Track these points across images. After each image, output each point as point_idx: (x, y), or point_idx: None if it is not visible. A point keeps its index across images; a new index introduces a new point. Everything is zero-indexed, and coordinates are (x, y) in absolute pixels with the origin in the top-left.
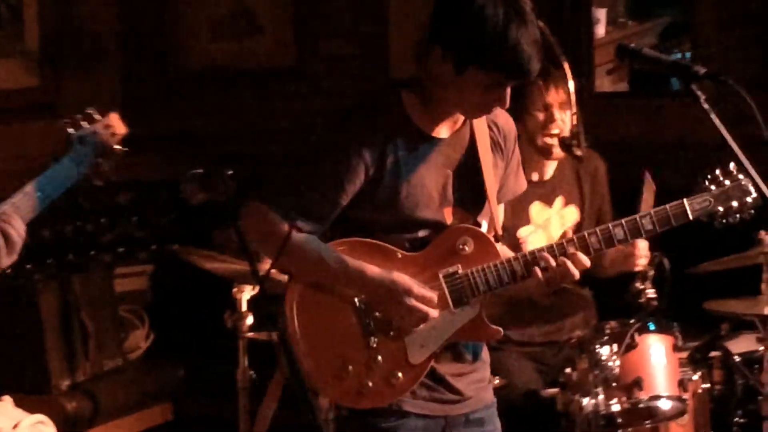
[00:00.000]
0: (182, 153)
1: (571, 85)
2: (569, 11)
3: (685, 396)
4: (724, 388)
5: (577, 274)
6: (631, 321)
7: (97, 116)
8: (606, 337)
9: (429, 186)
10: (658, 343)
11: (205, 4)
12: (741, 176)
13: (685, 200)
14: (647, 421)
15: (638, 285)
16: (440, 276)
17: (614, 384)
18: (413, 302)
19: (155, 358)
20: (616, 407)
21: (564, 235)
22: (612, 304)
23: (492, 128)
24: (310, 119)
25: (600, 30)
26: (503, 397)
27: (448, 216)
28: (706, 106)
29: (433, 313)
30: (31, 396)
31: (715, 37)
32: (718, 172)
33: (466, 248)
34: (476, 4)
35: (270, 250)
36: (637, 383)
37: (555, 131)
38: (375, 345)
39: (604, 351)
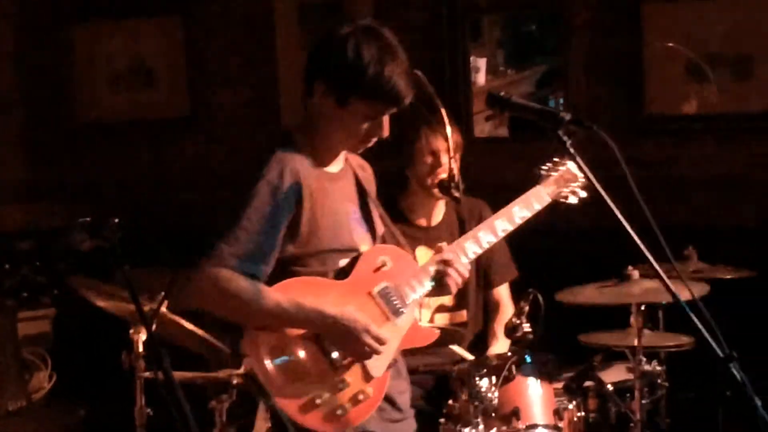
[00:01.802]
0: (80, 201)
1: (449, 130)
2: (448, 61)
3: (561, 424)
4: (598, 416)
5: (466, 274)
6: (508, 354)
7: None
8: (485, 370)
9: (340, 217)
10: (535, 375)
11: (103, 58)
12: (567, 162)
13: (540, 186)
14: None
15: (514, 320)
16: (374, 293)
17: (493, 414)
18: (369, 340)
19: (57, 399)
20: None
21: (438, 249)
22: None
23: (358, 168)
24: (205, 166)
25: (480, 78)
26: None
27: (359, 242)
28: (571, 150)
29: (384, 349)
30: None
31: (585, 84)
32: (549, 164)
33: (387, 265)
34: (352, 42)
35: (232, 309)
36: (515, 413)
37: (442, 175)
38: (340, 370)
39: (484, 383)
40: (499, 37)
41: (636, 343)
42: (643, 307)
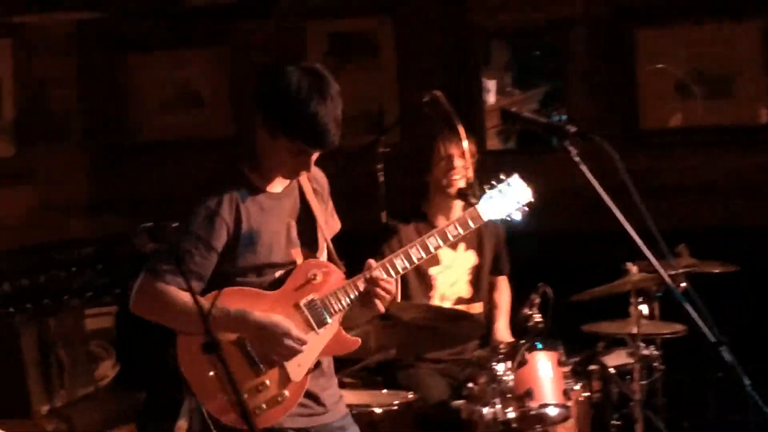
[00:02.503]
0: (135, 212)
1: (465, 144)
2: (463, 83)
3: (569, 403)
4: (601, 396)
5: (393, 291)
6: (522, 341)
7: None
8: (501, 356)
9: (277, 234)
10: (545, 359)
11: (155, 84)
12: (510, 180)
13: (477, 205)
14: (538, 426)
15: (526, 311)
16: (301, 304)
17: (509, 395)
18: (290, 342)
19: (121, 385)
20: (511, 415)
21: (367, 266)
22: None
23: (311, 180)
24: None
25: (490, 98)
26: (418, 408)
27: (296, 256)
28: (576, 159)
29: (304, 349)
30: (14, 420)
31: (584, 103)
32: (493, 182)
33: (317, 278)
34: (286, 79)
35: (164, 317)
36: (529, 394)
37: (456, 176)
38: (261, 372)
39: (500, 367)
40: (507, 62)
41: (635, 330)
42: (640, 298)
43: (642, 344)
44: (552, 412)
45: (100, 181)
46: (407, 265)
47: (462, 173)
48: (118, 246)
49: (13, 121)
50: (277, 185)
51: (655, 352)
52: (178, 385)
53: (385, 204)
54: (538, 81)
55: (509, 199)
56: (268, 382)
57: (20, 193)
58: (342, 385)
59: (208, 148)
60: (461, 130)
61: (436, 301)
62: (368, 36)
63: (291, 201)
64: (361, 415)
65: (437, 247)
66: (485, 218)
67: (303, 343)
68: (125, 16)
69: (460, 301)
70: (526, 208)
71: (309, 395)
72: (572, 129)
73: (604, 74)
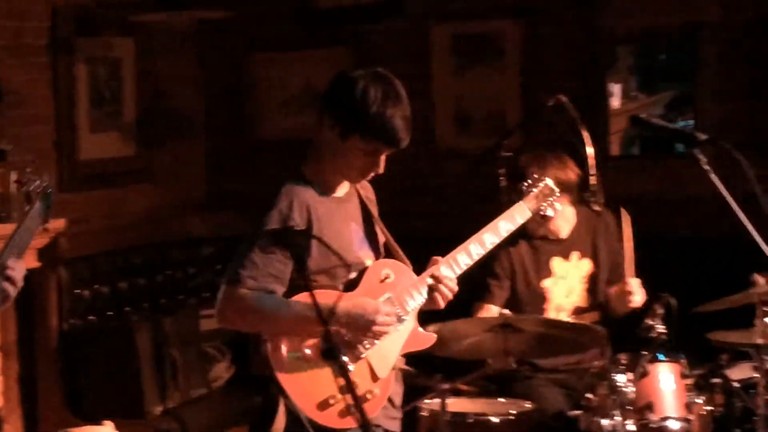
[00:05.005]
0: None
1: (590, 150)
2: (588, 86)
3: (691, 417)
4: (724, 411)
5: (455, 289)
6: (644, 352)
7: None
8: (622, 367)
9: (346, 236)
10: (667, 371)
11: (277, 84)
12: (545, 179)
13: (522, 202)
14: None
15: (649, 321)
16: (380, 302)
17: (629, 407)
18: (383, 318)
19: (235, 387)
20: (631, 427)
21: (433, 261)
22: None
23: (363, 189)
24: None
25: (615, 102)
26: (535, 418)
27: (365, 257)
28: (706, 167)
29: (391, 344)
30: (128, 420)
31: (714, 107)
32: (529, 180)
33: (391, 277)
34: (360, 84)
35: (253, 322)
36: (649, 406)
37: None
38: (349, 371)
39: (621, 378)
40: (632, 65)
41: (760, 341)
42: (767, 309)
43: (767, 357)
44: (673, 425)
45: (219, 180)
46: (469, 261)
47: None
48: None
49: (134, 120)
50: (340, 189)
51: None
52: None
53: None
54: (664, 84)
55: (544, 196)
56: (357, 380)
57: (140, 191)
58: (458, 393)
59: None
60: (586, 135)
61: (551, 313)
62: (494, 37)
63: (353, 205)
64: (477, 423)
65: (493, 243)
66: (528, 214)
67: (395, 317)
68: (251, 15)
69: (577, 310)
70: (558, 206)
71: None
72: (703, 136)
73: (732, 78)
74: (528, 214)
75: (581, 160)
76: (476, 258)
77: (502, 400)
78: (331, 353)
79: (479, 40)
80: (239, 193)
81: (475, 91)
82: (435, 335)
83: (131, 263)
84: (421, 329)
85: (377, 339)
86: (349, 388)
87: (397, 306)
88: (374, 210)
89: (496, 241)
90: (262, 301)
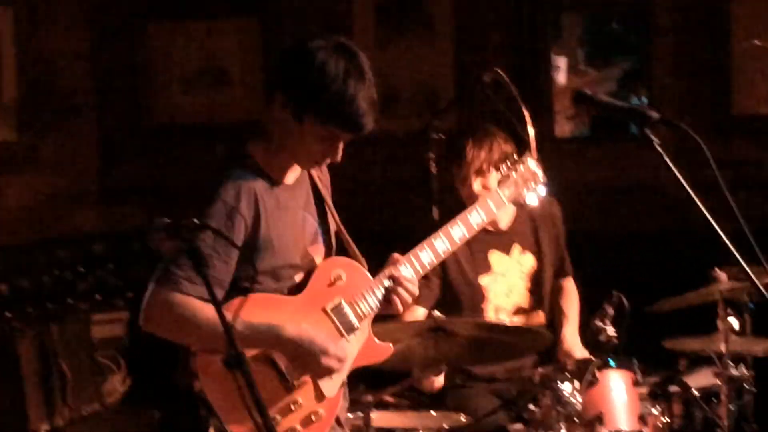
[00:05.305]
0: (156, 204)
1: (531, 130)
2: (529, 59)
3: (646, 430)
4: (683, 422)
5: (416, 292)
6: (592, 358)
7: None
8: (568, 375)
9: (296, 232)
10: (619, 379)
11: (176, 60)
12: (527, 160)
13: (498, 188)
14: None
15: (598, 323)
16: (328, 310)
17: (576, 420)
18: (329, 361)
19: (132, 402)
20: None
21: (392, 260)
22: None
23: (314, 173)
24: None
25: (561, 77)
26: None
27: (314, 253)
28: (659, 149)
29: (343, 368)
30: None
31: (670, 84)
32: (508, 163)
33: (342, 279)
34: (319, 57)
35: (185, 333)
36: (599, 419)
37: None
38: (293, 389)
39: (567, 387)
40: (580, 35)
41: (723, 347)
42: (729, 309)
43: (731, 363)
44: None
45: (114, 167)
46: (433, 259)
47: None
48: (133, 243)
49: (15, 101)
50: (290, 176)
51: (746, 373)
52: (196, 403)
53: (437, 198)
54: (615, 58)
55: (525, 180)
56: (300, 399)
57: (23, 181)
58: (384, 406)
59: (237, 132)
60: (527, 114)
61: (490, 314)
62: (421, 4)
63: (304, 193)
64: None
65: (462, 238)
66: (505, 203)
67: (342, 361)
68: None
69: (518, 311)
70: (541, 191)
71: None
72: (655, 115)
73: (693, 51)
74: (505, 204)
75: (522, 142)
76: (443, 256)
77: (433, 413)
78: (236, 361)
79: (405, 7)
80: (137, 184)
81: (401, 65)
82: (391, 346)
83: (12, 262)
84: (376, 340)
85: (321, 378)
86: (256, 403)
87: (350, 316)
88: (327, 196)
89: (467, 235)
90: (195, 311)
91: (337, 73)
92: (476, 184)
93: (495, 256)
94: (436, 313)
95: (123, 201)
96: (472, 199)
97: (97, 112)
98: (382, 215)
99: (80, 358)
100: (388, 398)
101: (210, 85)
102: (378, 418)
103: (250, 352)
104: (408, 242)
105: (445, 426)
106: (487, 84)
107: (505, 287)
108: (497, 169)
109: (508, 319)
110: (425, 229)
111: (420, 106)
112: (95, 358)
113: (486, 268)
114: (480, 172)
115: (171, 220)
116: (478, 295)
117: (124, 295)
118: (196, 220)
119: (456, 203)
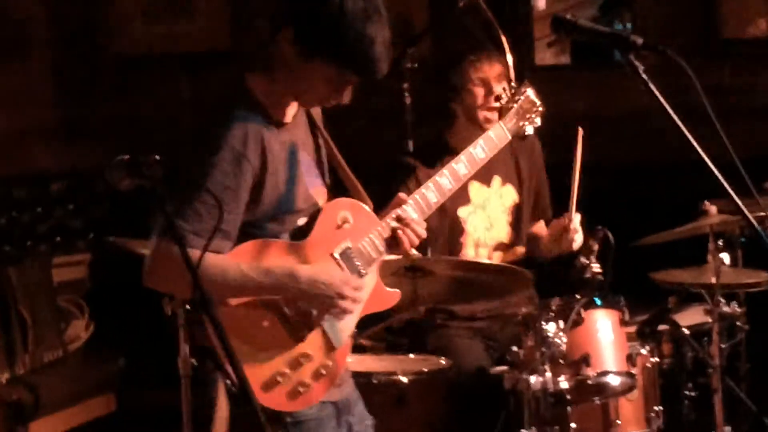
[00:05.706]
0: (117, 140)
1: (510, 58)
2: None
3: (634, 371)
4: (673, 362)
5: (424, 234)
6: (577, 297)
7: None
8: (552, 314)
9: (297, 173)
10: (605, 319)
11: None
12: (527, 90)
13: (500, 122)
14: (596, 398)
15: (583, 260)
16: (335, 255)
17: (561, 361)
18: (345, 303)
19: (96, 348)
20: (564, 384)
21: (398, 200)
22: (553, 286)
23: None
24: None
25: (540, 2)
26: (452, 377)
27: (317, 196)
28: (644, 76)
29: (356, 310)
30: None
31: (654, 7)
32: (508, 95)
33: (349, 221)
34: None
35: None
36: (585, 359)
37: (495, 104)
38: (302, 340)
39: (551, 328)
40: None
41: (714, 280)
42: (720, 242)
43: (722, 299)
44: (613, 381)
45: (72, 102)
46: (439, 198)
47: (500, 100)
48: (94, 181)
49: None
50: (290, 112)
51: (738, 309)
52: (165, 347)
53: (412, 130)
54: None
55: (525, 111)
56: (310, 351)
57: None
58: (362, 349)
59: (202, 64)
60: (505, 42)
61: (469, 249)
62: None
63: (302, 130)
64: (384, 384)
65: (467, 175)
66: (507, 136)
67: (357, 302)
68: None
69: (499, 246)
70: (538, 121)
71: None
72: (639, 40)
73: None
74: (508, 138)
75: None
76: (448, 195)
77: (412, 356)
78: (203, 305)
79: None
80: (97, 119)
81: None
82: (399, 292)
83: None
84: (383, 285)
85: (338, 318)
86: (226, 352)
87: (358, 261)
88: (324, 130)
89: (471, 172)
90: (205, 265)
91: (355, 13)
92: (479, 92)
93: (474, 188)
94: (413, 251)
95: (83, 137)
96: (474, 109)
97: (52, 43)
98: (351, 149)
99: (41, 303)
100: (365, 341)
101: (173, 14)
102: (354, 362)
103: (261, 307)
104: (381, 178)
105: (425, 370)
106: (463, 10)
107: (486, 221)
108: (501, 79)
109: (487, 255)
110: (399, 165)
111: (392, 34)
112: (57, 303)
113: (465, 199)
114: (484, 83)
115: (130, 156)
116: (456, 228)
117: (86, 237)
118: (157, 156)
119: (434, 137)
